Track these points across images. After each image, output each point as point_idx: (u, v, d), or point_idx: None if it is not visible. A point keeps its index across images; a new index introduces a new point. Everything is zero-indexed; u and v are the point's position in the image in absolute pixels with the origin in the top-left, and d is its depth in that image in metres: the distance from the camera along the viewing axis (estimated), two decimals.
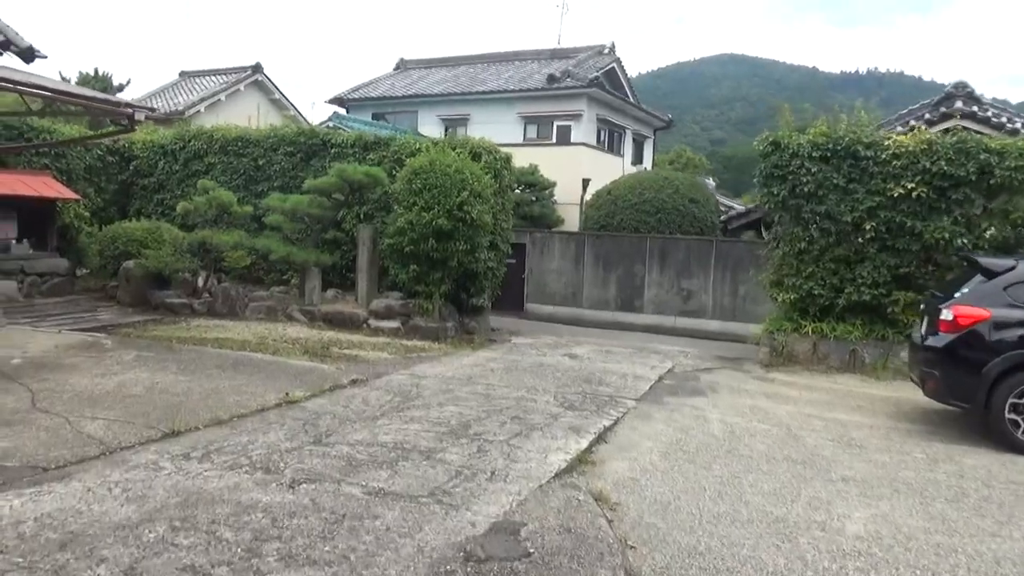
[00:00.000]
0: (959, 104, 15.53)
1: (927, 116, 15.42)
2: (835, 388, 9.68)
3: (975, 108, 15.30)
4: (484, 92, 26.69)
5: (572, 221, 22.06)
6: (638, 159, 29.90)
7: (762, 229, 17.34)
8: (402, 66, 32.46)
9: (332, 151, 14.40)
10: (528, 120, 26.01)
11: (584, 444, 6.23)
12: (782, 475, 5.74)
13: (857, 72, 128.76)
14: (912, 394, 9.42)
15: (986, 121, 14.88)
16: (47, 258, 13.04)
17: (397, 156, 13.80)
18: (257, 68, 27.80)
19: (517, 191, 17.30)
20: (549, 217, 21.14)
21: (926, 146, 10.40)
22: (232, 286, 12.89)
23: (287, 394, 7.20)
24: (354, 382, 8.11)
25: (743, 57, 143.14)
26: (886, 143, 10.67)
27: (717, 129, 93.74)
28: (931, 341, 7.21)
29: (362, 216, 14.13)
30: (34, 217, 12.91)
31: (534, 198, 21.12)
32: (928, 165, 10.31)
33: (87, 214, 14.62)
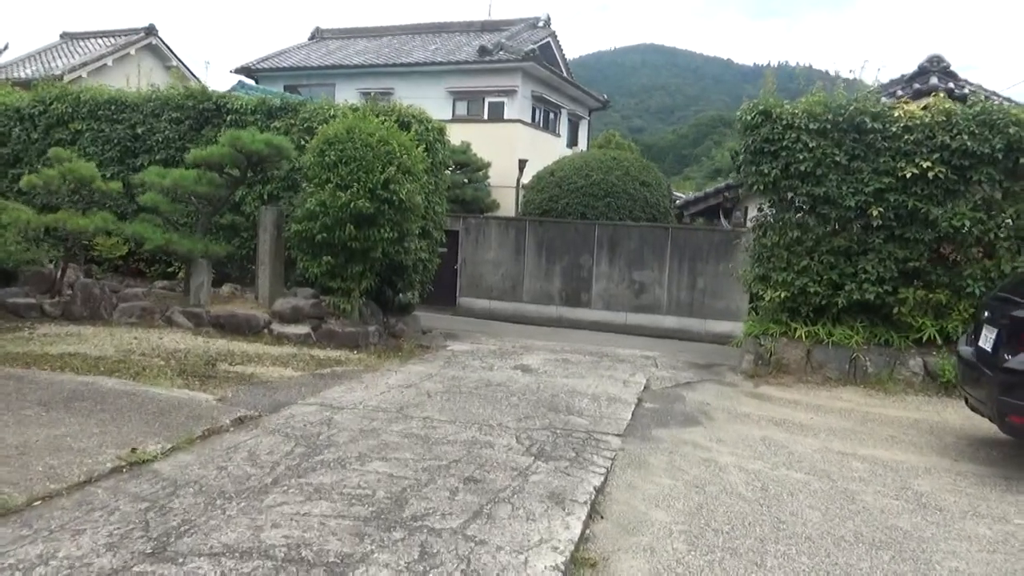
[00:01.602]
0: (934, 80, 14.21)
1: (899, 94, 14.00)
2: (847, 408, 7.98)
3: (951, 85, 14.01)
4: (409, 64, 24.31)
5: (507, 206, 20.03)
6: (573, 141, 28.08)
7: (721, 215, 15.75)
8: (318, 35, 29.65)
9: (228, 118, 11.91)
10: (457, 96, 23.78)
11: (575, 526, 4.21)
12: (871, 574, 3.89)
13: (769, 64, 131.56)
14: (937, 415, 7.85)
15: (963, 100, 13.57)
16: None
17: (308, 124, 11.45)
18: (151, 30, 24.69)
19: (448, 171, 15.10)
20: (483, 201, 19.05)
21: (944, 117, 8.79)
22: (95, 283, 10.29)
23: (134, 450, 4.91)
24: (240, 422, 5.86)
25: (662, 47, 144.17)
26: (895, 114, 9.03)
27: (636, 118, 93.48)
28: (1016, 362, 5.48)
29: (266, 197, 11.74)
30: None
31: (466, 180, 18.98)
32: (947, 140, 8.70)
33: None
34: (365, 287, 10.29)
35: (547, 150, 22.42)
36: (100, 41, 24.82)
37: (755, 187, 9.49)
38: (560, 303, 15.86)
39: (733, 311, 14.75)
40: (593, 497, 4.73)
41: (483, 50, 23.26)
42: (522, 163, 19.83)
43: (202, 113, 12.09)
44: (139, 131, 12.34)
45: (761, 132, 9.34)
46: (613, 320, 15.38)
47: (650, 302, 15.29)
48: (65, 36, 25.78)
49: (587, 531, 4.27)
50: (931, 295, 9.01)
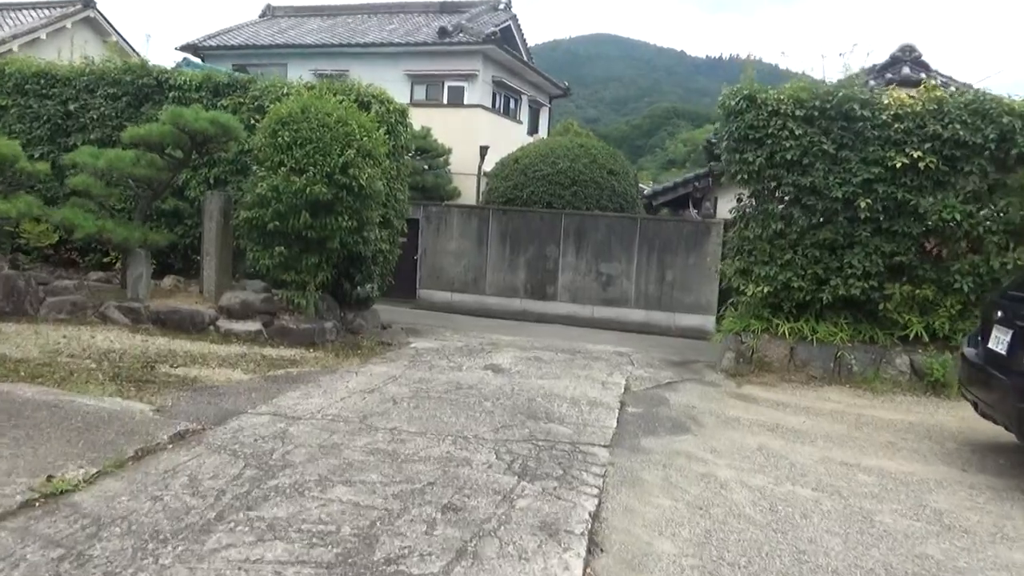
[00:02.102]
0: (906, 70, 13.98)
1: (871, 84, 13.73)
2: (838, 410, 7.56)
3: (923, 75, 13.76)
4: (366, 45, 23.34)
5: (469, 194, 19.34)
6: (534, 128, 27.44)
7: (691, 206, 15.33)
8: (269, 13, 28.42)
9: (171, 95, 10.95)
10: (416, 79, 22.93)
11: (575, 566, 3.63)
12: None
13: (720, 57, 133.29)
14: (931, 417, 7.51)
15: None
16: None
17: (258, 103, 10.60)
18: (88, 2, 23.21)
19: (409, 157, 14.29)
20: (444, 188, 18.32)
21: (935, 106, 8.42)
22: (20, 274, 9.32)
23: (51, 477, 4.16)
24: (180, 437, 5.12)
25: (617, 38, 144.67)
26: (885, 101, 8.63)
27: (591, 108, 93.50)
28: None
29: (212, 181, 10.87)
30: None
31: (427, 166, 18.21)
32: (939, 129, 8.33)
33: None
34: (321, 280, 9.54)
35: (508, 137, 21.76)
36: (34, 12, 23.21)
37: (738, 176, 9.01)
38: (525, 296, 15.27)
39: (703, 305, 14.38)
40: (589, 526, 4.15)
41: (443, 31, 22.44)
42: (483, 150, 19.15)
43: (141, 89, 11.11)
44: (71, 108, 11.30)
45: (745, 118, 8.85)
46: (580, 314, 14.87)
47: (618, 295, 14.80)
48: None
49: (588, 570, 3.69)
50: (917, 291, 8.67)
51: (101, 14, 23.56)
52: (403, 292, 15.33)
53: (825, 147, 8.62)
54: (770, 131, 8.75)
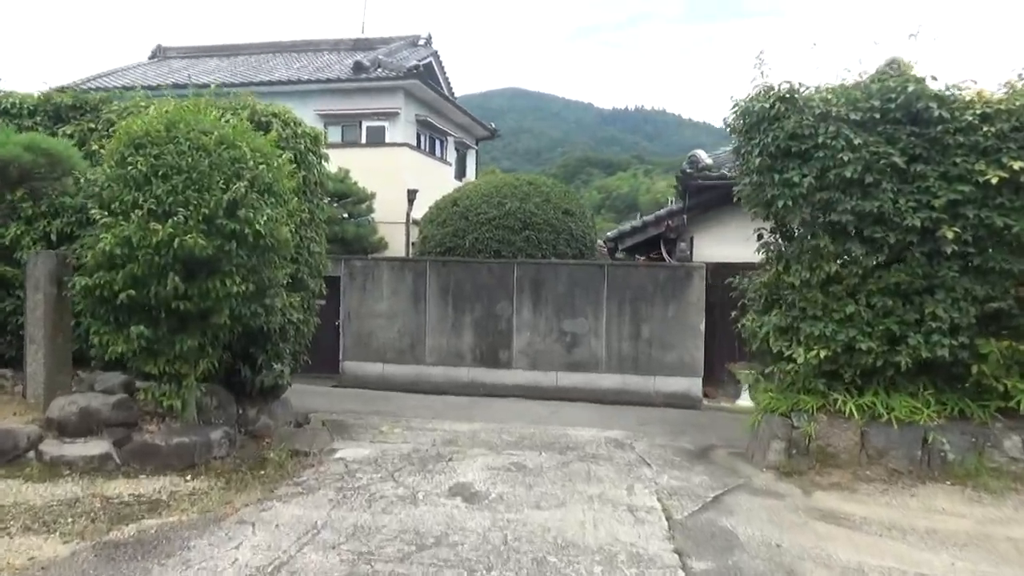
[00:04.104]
0: None
1: None
2: (972, 533, 5.19)
3: None
4: (272, 82, 20.52)
5: (397, 245, 16.65)
6: (461, 172, 25.03)
7: (663, 248, 13.08)
8: (160, 54, 25.42)
9: None
10: (330, 120, 20.20)
11: None
12: None
13: (626, 108, 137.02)
14: None
15: None
16: None
17: (115, 128, 7.74)
18: None
19: (324, 200, 11.47)
20: (368, 239, 15.57)
21: None
22: None
23: None
24: None
25: (526, 92, 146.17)
26: (967, 98, 6.54)
27: (505, 159, 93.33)
28: None
29: (55, 237, 7.89)
30: None
31: (346, 214, 15.47)
32: None
33: None
34: (205, 369, 6.69)
35: (437, 180, 19.26)
36: None
37: (778, 203, 6.70)
38: (473, 363, 12.59)
39: (687, 364, 12.05)
40: None
41: (359, 66, 19.97)
42: (412, 193, 16.57)
43: None
44: None
45: (785, 126, 6.60)
46: (541, 382, 12.28)
47: (586, 357, 12.31)
48: None
49: None
50: (1021, 347, 6.49)
51: None
52: (323, 366, 12.42)
53: (894, 160, 6.44)
54: (819, 141, 6.52)
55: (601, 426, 9.17)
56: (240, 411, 7.70)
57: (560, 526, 5.03)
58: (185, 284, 6.03)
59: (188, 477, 5.97)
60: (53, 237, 7.91)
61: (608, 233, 14.01)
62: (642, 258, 13.85)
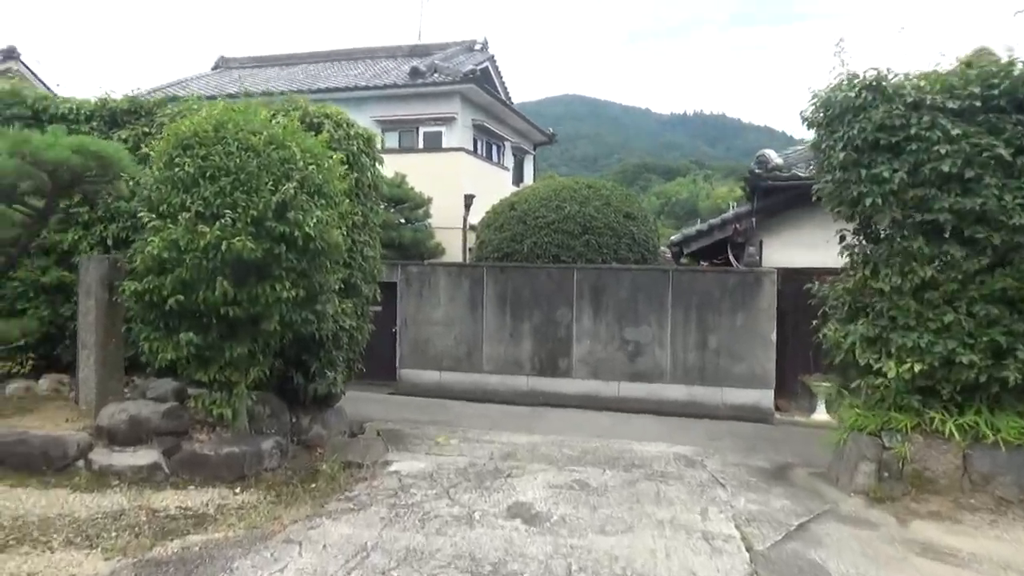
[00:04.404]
0: None
1: None
2: None
3: None
4: (329, 90, 20.54)
5: (454, 250, 16.41)
6: (519, 178, 24.73)
7: (729, 252, 12.47)
8: (223, 64, 25.85)
9: (52, 128, 7.94)
10: (387, 126, 20.14)
11: None
12: None
13: (685, 113, 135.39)
14: None
15: None
16: None
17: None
18: (11, 53, 20.33)
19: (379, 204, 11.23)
20: (424, 244, 15.35)
21: None
22: None
23: None
24: None
25: (584, 98, 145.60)
26: None
27: (563, 166, 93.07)
28: None
29: (111, 242, 7.83)
30: None
31: (403, 219, 15.29)
32: None
33: None
34: (256, 376, 6.47)
35: (494, 186, 18.96)
36: None
37: (866, 200, 6.14)
38: (532, 372, 12.19)
39: (757, 375, 11.41)
40: None
41: (415, 72, 19.85)
42: (469, 199, 16.33)
43: (9, 121, 8.11)
44: None
45: (873, 116, 6.05)
46: (602, 392, 11.80)
47: (649, 367, 11.78)
48: None
49: None
50: None
51: (27, 66, 20.70)
52: (380, 373, 12.23)
53: (999, 152, 5.81)
54: (912, 132, 5.94)
55: (668, 440, 8.66)
56: (294, 419, 7.49)
57: (628, 554, 4.59)
58: (234, 289, 5.82)
59: (237, 489, 5.74)
60: (109, 242, 7.87)
61: (672, 237, 13.47)
62: (707, 263, 13.28)
